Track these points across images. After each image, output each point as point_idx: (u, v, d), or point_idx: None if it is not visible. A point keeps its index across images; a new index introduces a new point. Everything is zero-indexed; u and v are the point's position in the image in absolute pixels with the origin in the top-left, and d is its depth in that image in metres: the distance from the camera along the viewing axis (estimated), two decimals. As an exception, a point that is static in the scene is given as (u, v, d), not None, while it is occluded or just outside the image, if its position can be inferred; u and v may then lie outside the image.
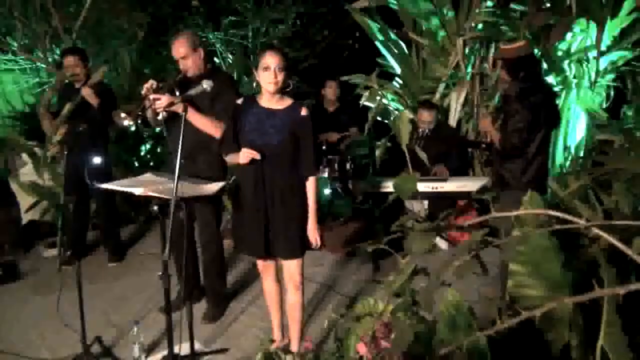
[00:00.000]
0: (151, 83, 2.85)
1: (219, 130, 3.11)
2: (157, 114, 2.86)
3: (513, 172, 3.16)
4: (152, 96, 2.81)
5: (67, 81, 4.33)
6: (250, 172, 2.63)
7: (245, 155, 2.55)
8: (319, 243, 2.67)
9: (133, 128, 2.75)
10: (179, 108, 2.69)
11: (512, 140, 3.09)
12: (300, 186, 2.66)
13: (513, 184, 3.16)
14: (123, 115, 2.67)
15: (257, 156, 2.53)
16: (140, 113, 2.79)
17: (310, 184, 2.66)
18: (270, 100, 2.61)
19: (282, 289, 2.91)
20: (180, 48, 3.13)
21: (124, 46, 5.96)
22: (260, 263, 2.84)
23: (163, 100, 2.80)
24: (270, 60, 2.49)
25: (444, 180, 4.40)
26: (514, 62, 3.12)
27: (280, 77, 2.52)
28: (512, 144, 3.10)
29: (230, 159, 2.73)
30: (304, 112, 2.60)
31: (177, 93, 2.99)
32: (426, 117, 4.69)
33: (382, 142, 5.39)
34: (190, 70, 3.16)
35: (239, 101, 2.69)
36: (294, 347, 2.77)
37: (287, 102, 2.63)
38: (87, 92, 3.99)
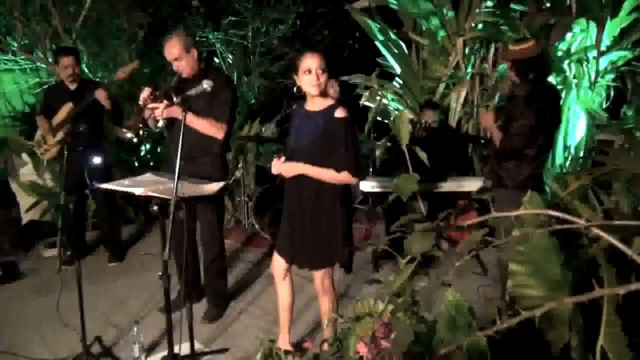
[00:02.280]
0: (147, 92, 2.84)
1: (221, 131, 3.12)
2: (157, 121, 2.86)
3: (509, 171, 3.14)
4: (150, 105, 2.80)
5: (57, 80, 4.31)
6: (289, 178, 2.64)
7: (274, 168, 2.58)
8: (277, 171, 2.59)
9: (135, 139, 2.77)
10: (178, 112, 2.69)
11: (514, 143, 3.07)
12: (331, 195, 2.53)
13: (509, 183, 3.14)
14: (124, 130, 2.69)
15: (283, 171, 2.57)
16: (141, 125, 2.79)
17: (342, 175, 2.47)
18: (312, 102, 2.57)
19: (294, 294, 2.85)
20: (172, 49, 3.09)
21: (124, 46, 5.96)
22: (280, 265, 2.73)
23: (162, 109, 2.80)
24: (311, 62, 2.45)
25: (444, 180, 4.40)
26: (524, 62, 3.05)
27: (323, 78, 2.47)
28: (513, 146, 3.08)
29: None
30: (338, 113, 2.48)
31: (175, 99, 2.99)
32: (430, 117, 4.69)
33: (382, 142, 5.39)
34: (185, 72, 3.14)
35: (294, 106, 2.68)
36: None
37: (328, 103, 2.55)
38: (101, 95, 3.97)
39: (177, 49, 3.08)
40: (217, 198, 3.26)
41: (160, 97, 2.86)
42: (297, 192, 2.59)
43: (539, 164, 3.19)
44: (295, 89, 2.58)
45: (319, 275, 2.64)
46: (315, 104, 2.56)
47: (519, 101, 3.08)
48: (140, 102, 2.82)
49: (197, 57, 3.18)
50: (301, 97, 2.62)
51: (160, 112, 2.78)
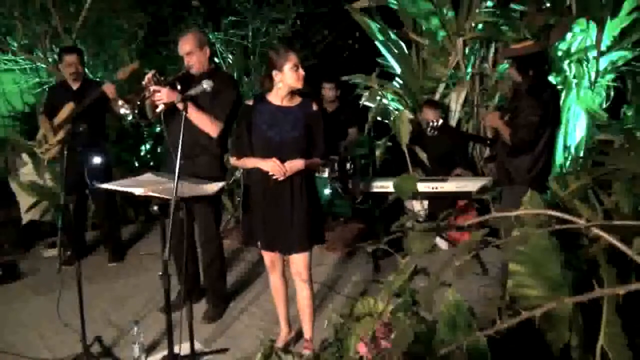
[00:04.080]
0: (153, 73, 2.88)
1: (216, 128, 3.13)
2: (156, 106, 2.87)
3: (519, 168, 3.21)
4: (152, 87, 2.82)
5: (57, 80, 4.29)
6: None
7: (276, 169, 2.60)
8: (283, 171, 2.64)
9: (130, 117, 2.77)
10: (179, 105, 2.70)
11: (523, 135, 3.13)
12: (309, 181, 2.76)
13: (518, 179, 3.19)
14: (121, 102, 2.69)
15: (284, 173, 2.61)
16: (139, 103, 2.80)
17: (323, 160, 2.83)
18: (283, 98, 2.69)
19: (287, 283, 2.96)
20: (185, 44, 3.16)
21: (124, 46, 5.95)
22: (267, 258, 2.88)
23: (163, 93, 2.82)
24: (297, 60, 2.62)
25: (444, 180, 4.40)
26: (523, 59, 3.17)
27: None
28: (522, 138, 3.14)
29: (242, 162, 2.76)
30: (315, 107, 2.74)
31: (179, 87, 3.01)
32: (431, 116, 4.69)
33: (382, 142, 5.39)
34: (194, 68, 3.18)
35: (249, 102, 2.75)
36: (307, 336, 2.87)
37: (298, 99, 2.73)
38: (110, 89, 3.99)
39: (191, 44, 3.16)
40: (215, 199, 3.27)
41: (163, 82, 2.89)
42: (283, 184, 2.66)
43: (547, 162, 3.25)
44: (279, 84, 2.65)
45: (302, 259, 2.74)
46: (285, 100, 2.70)
47: (523, 96, 3.18)
48: (143, 82, 2.85)
49: (208, 56, 3.25)
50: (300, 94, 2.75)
51: (161, 96, 2.80)
